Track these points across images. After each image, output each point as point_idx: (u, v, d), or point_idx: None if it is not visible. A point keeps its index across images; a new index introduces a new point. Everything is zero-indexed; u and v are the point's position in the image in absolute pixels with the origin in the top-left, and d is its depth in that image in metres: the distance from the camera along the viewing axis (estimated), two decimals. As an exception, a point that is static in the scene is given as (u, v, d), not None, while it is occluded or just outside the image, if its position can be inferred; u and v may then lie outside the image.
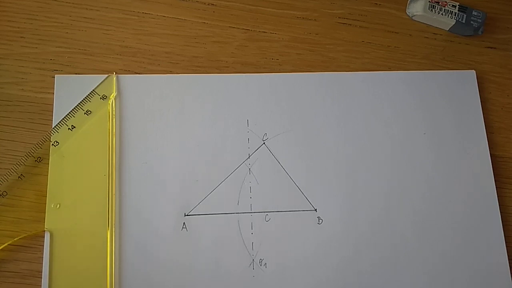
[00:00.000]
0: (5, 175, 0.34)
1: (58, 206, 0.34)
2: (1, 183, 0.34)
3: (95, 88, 0.37)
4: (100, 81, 0.37)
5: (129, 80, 0.38)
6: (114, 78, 0.37)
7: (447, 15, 0.41)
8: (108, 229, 0.34)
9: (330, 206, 0.36)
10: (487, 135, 0.39)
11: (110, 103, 0.37)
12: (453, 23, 0.41)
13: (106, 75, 0.37)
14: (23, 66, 0.38)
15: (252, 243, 0.35)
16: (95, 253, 0.34)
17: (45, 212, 0.34)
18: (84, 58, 0.39)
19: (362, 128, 0.38)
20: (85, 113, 0.36)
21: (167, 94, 0.38)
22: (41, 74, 0.38)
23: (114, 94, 0.37)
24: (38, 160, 0.35)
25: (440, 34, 0.42)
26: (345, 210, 0.36)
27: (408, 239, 0.36)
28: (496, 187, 0.37)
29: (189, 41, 0.40)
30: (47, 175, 0.35)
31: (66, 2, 0.40)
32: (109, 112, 0.36)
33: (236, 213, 0.36)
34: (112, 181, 0.35)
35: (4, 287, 0.33)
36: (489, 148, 0.38)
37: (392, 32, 0.42)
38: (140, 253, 0.34)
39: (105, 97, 0.37)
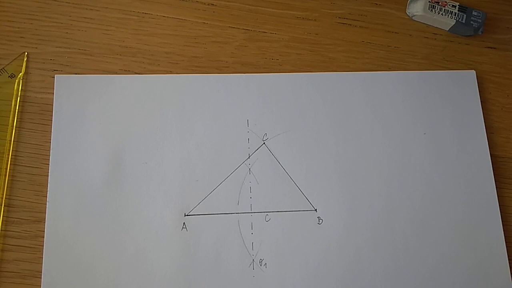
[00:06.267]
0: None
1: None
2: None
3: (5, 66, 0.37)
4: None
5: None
6: (25, 58, 0.37)
7: (447, 15, 0.41)
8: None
9: (330, 206, 0.36)
10: (487, 135, 0.39)
11: (17, 82, 0.36)
12: (453, 23, 0.41)
13: (19, 54, 0.38)
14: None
15: (252, 243, 0.35)
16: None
17: (45, 212, 0.34)
18: (84, 58, 0.39)
19: (362, 128, 0.38)
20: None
21: (167, 94, 0.38)
22: (41, 74, 0.38)
23: (22, 73, 0.37)
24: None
25: (440, 34, 0.42)
26: (345, 210, 0.36)
27: (408, 239, 0.36)
28: (496, 187, 0.37)
29: (189, 41, 0.40)
30: (47, 175, 0.35)
31: (66, 2, 0.40)
32: (14, 91, 0.36)
33: (236, 213, 0.36)
34: (8, 159, 0.35)
35: (4, 287, 0.33)
36: (489, 148, 0.38)
37: (392, 32, 0.42)
38: (140, 253, 0.34)
39: (13, 75, 0.37)
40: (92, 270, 0.33)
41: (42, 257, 0.33)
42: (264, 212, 0.36)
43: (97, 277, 0.33)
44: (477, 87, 0.40)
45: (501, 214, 0.37)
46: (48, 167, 0.35)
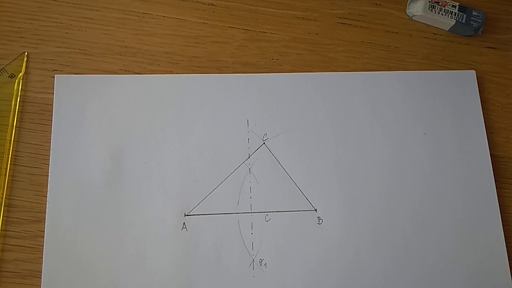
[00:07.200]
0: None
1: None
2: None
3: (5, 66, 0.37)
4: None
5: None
6: (25, 58, 0.37)
7: (447, 15, 0.41)
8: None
9: (330, 206, 0.36)
10: (487, 135, 0.39)
11: (17, 82, 0.37)
12: (453, 23, 0.41)
13: (19, 54, 0.38)
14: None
15: (252, 243, 0.35)
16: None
17: (45, 212, 0.34)
18: (84, 58, 0.39)
19: (362, 128, 0.38)
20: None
21: (167, 94, 0.38)
22: (41, 74, 0.38)
23: (22, 73, 0.37)
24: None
25: (440, 34, 0.42)
26: (346, 210, 0.36)
27: (408, 239, 0.36)
28: (496, 187, 0.37)
29: (189, 41, 0.40)
30: (47, 175, 0.35)
31: (66, 2, 0.40)
32: (14, 91, 0.36)
33: (236, 213, 0.36)
34: (8, 159, 0.35)
35: (4, 287, 0.33)
36: (489, 148, 0.38)
37: (392, 32, 0.42)
38: (140, 253, 0.34)
39: (13, 75, 0.37)
40: (92, 270, 0.33)
41: (42, 257, 0.33)
42: (264, 212, 0.36)
43: (97, 277, 0.33)
44: (477, 87, 0.40)
45: (501, 214, 0.37)
46: (48, 167, 0.35)
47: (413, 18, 0.42)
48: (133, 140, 0.36)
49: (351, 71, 0.40)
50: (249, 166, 0.37)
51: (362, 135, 0.38)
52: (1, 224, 0.34)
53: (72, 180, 0.35)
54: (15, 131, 0.36)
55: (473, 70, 0.41)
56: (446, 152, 0.38)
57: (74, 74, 0.38)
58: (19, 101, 0.37)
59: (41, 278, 0.33)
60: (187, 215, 0.35)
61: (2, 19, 0.39)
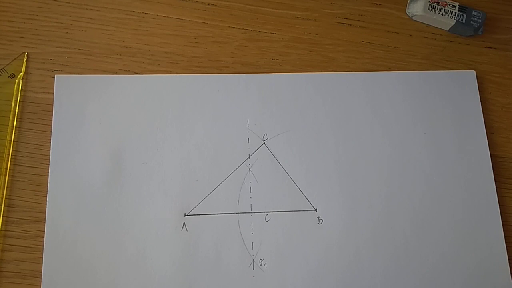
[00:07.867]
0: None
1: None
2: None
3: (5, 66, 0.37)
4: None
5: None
6: (25, 58, 0.37)
7: (447, 15, 0.41)
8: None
9: (330, 206, 0.36)
10: (487, 135, 0.39)
11: (17, 82, 0.37)
12: (453, 23, 0.41)
13: (19, 54, 0.38)
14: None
15: (252, 243, 0.35)
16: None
17: (45, 212, 0.34)
18: (84, 58, 0.39)
19: (362, 128, 0.38)
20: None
21: (167, 94, 0.38)
22: (41, 74, 0.38)
23: (22, 73, 0.37)
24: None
25: (440, 34, 0.42)
26: (346, 210, 0.36)
27: (408, 239, 0.36)
28: (496, 187, 0.37)
29: (189, 41, 0.40)
30: (47, 175, 0.35)
31: (66, 2, 0.40)
32: (14, 91, 0.36)
33: (236, 213, 0.36)
34: (8, 159, 0.35)
35: (4, 287, 0.33)
36: (489, 148, 0.38)
37: (392, 32, 0.42)
38: (140, 253, 0.34)
39: (13, 75, 0.37)
40: (92, 270, 0.33)
41: (42, 257, 0.33)
42: (264, 212, 0.36)
43: (97, 277, 0.33)
44: (477, 87, 0.40)
45: (501, 214, 0.37)
46: (48, 167, 0.35)
47: (413, 18, 0.42)
48: (133, 140, 0.36)
49: (351, 71, 0.40)
50: (249, 166, 0.37)
51: (362, 135, 0.38)
52: (1, 224, 0.34)
53: (72, 180, 0.35)
54: (15, 131, 0.36)
55: (473, 70, 0.41)
56: (446, 152, 0.38)
57: (74, 74, 0.38)
58: (19, 101, 0.37)
59: (41, 278, 0.33)
60: (187, 215, 0.35)
61: (2, 19, 0.39)
